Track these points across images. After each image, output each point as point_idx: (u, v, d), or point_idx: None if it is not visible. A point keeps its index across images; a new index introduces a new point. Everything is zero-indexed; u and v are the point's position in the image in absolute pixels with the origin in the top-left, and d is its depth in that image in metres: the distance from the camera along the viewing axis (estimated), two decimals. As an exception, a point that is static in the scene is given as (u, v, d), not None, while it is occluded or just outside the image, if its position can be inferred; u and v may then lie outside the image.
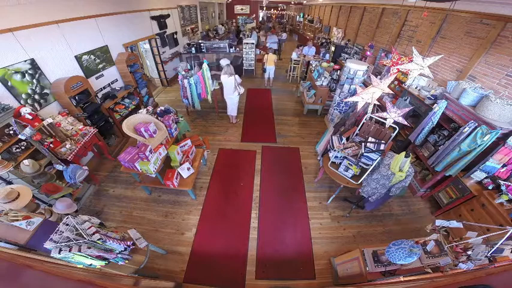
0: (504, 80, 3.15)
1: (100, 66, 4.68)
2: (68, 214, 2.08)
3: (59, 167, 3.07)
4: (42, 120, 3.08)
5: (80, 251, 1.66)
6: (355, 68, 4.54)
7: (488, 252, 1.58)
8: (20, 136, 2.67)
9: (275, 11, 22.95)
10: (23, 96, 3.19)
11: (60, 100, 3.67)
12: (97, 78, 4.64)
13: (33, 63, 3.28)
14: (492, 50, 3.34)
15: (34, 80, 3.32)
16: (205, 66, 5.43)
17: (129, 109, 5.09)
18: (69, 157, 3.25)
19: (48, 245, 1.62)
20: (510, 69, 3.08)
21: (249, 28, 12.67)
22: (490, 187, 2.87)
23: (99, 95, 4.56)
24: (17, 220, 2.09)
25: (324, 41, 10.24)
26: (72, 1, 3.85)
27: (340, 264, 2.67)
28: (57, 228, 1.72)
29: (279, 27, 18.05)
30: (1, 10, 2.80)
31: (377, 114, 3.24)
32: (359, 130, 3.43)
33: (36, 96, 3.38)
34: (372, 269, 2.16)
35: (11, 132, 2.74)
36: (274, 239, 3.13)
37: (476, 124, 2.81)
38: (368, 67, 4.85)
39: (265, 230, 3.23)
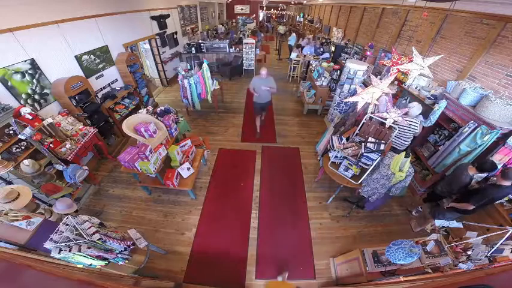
0: (504, 80, 3.15)
1: (100, 66, 4.68)
2: (68, 214, 2.08)
3: (59, 167, 3.07)
4: (42, 120, 3.08)
5: (80, 251, 1.66)
6: (355, 68, 4.53)
7: (488, 252, 1.59)
8: (20, 136, 2.67)
9: (275, 11, 22.93)
10: (23, 96, 3.19)
11: (60, 100, 3.67)
12: (97, 78, 4.64)
13: (33, 63, 3.28)
14: (492, 50, 3.34)
15: (34, 80, 3.32)
16: (205, 66, 5.43)
17: (129, 109, 5.09)
18: (69, 157, 3.25)
19: (48, 245, 1.62)
20: (510, 69, 3.07)
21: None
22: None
23: (99, 95, 4.56)
24: (17, 220, 2.09)
25: (323, 40, 10.23)
26: (72, 1, 3.85)
27: (340, 264, 2.67)
28: (57, 228, 1.72)
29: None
30: (1, 10, 2.80)
31: (377, 114, 3.23)
32: (359, 130, 3.43)
33: (36, 96, 3.38)
34: (372, 269, 2.16)
35: (11, 132, 2.74)
36: (274, 239, 3.13)
37: (476, 124, 2.81)
38: (368, 67, 4.85)
39: (265, 230, 3.23)
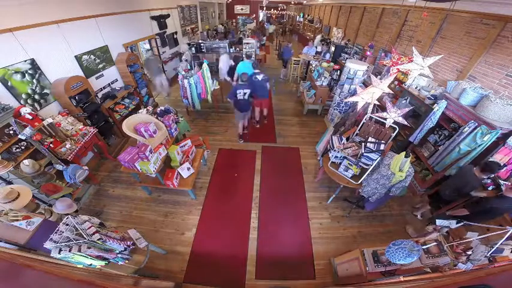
0: (504, 80, 3.15)
1: (100, 66, 4.68)
2: (68, 214, 2.08)
3: (59, 167, 3.07)
4: (42, 120, 3.08)
5: (80, 251, 1.66)
6: (355, 68, 4.54)
7: (488, 252, 1.58)
8: (20, 136, 2.67)
9: (275, 11, 22.91)
10: (23, 96, 3.18)
11: (60, 100, 3.67)
12: (97, 78, 4.64)
13: (33, 63, 3.28)
14: (492, 50, 3.34)
15: (34, 80, 3.31)
16: (205, 66, 5.43)
17: (129, 109, 5.09)
18: (69, 157, 3.25)
19: (48, 245, 1.62)
20: (510, 69, 3.07)
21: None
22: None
23: (99, 95, 4.56)
24: (17, 220, 2.09)
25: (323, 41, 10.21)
26: (72, 1, 3.85)
27: (340, 264, 2.67)
28: (57, 228, 1.72)
29: (279, 27, 18.03)
30: (1, 10, 2.80)
31: (377, 114, 3.24)
32: (359, 130, 3.43)
33: (36, 96, 3.38)
34: (372, 269, 2.16)
35: (11, 132, 2.74)
36: (274, 239, 3.13)
37: (476, 124, 2.81)
38: (368, 67, 4.85)
39: (265, 230, 3.22)
